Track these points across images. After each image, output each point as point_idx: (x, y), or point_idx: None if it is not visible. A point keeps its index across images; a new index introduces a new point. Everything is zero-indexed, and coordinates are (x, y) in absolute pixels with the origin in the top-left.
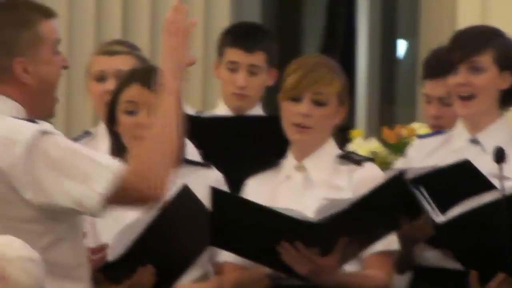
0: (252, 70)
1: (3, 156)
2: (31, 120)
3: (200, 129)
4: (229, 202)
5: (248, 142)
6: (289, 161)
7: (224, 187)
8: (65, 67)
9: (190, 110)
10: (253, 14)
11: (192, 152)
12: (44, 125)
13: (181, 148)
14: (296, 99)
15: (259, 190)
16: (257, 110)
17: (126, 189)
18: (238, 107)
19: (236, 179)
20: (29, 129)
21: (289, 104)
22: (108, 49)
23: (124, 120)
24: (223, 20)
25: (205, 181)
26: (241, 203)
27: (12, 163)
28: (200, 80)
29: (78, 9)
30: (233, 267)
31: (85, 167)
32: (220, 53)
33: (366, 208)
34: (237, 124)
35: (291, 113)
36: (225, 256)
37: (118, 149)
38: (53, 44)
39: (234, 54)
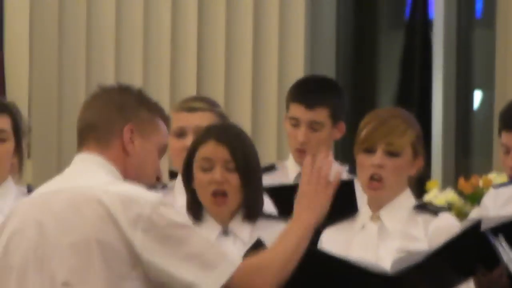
0: (313, 126)
1: (124, 213)
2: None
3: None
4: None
5: None
6: (364, 211)
7: None
8: (158, 178)
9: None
10: (328, 66)
11: (268, 205)
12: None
13: (261, 203)
14: (369, 150)
15: (334, 239)
16: None
17: (237, 284)
18: (300, 161)
19: None
20: (152, 195)
21: (363, 156)
22: (188, 106)
23: (199, 177)
24: (297, 72)
25: None
26: (319, 255)
27: (135, 221)
28: (275, 131)
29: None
30: None
31: (209, 254)
32: (286, 107)
33: (442, 259)
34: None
35: (365, 165)
36: None
37: (194, 206)
38: (162, 146)
39: (295, 110)
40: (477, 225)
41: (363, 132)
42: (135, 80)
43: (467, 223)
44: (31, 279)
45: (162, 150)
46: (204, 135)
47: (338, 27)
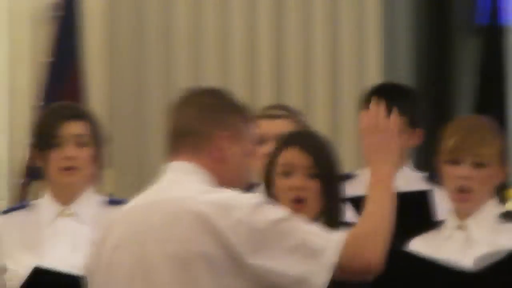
0: None
1: (224, 221)
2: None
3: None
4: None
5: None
6: (450, 220)
7: None
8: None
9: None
10: (404, 73)
11: (349, 214)
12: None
13: (341, 211)
14: (456, 161)
15: (422, 250)
16: (406, 171)
17: (348, 260)
18: None
19: None
20: (249, 197)
21: (449, 168)
22: (269, 113)
23: (280, 182)
24: (373, 79)
25: None
26: (403, 254)
27: (236, 226)
28: (353, 139)
29: None
30: None
31: (312, 241)
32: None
33: None
34: None
35: (452, 176)
36: None
37: None
38: (252, 150)
39: None
40: None
41: (449, 142)
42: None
43: None
44: None
45: (252, 154)
46: (287, 141)
47: (414, 34)
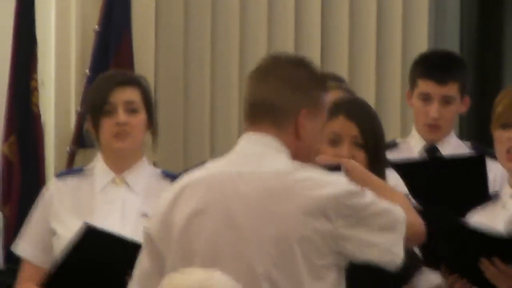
0: (445, 101)
1: (321, 194)
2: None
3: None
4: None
5: (447, 185)
6: (505, 190)
7: None
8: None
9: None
10: (452, 41)
11: (397, 181)
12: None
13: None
14: (506, 125)
15: (478, 222)
16: (452, 138)
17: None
18: (432, 136)
19: None
20: (344, 181)
21: (500, 132)
22: None
23: (326, 151)
24: (420, 47)
25: None
26: (445, 217)
27: (334, 201)
28: (398, 106)
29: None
30: None
31: (390, 212)
32: (412, 83)
33: None
34: (435, 168)
35: (502, 139)
36: None
37: None
38: (325, 117)
39: (426, 86)
40: None
41: (499, 108)
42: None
43: None
44: (223, 266)
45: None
46: (334, 110)
47: (463, 4)
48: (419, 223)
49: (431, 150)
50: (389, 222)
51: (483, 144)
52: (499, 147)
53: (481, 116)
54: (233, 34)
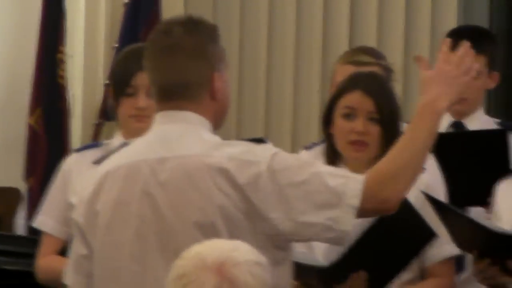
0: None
1: (242, 175)
2: (259, 140)
3: None
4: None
5: (472, 158)
6: None
7: (436, 191)
8: None
9: None
10: (482, 16)
11: None
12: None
13: None
14: None
15: (508, 193)
16: (480, 114)
17: (367, 200)
18: (458, 111)
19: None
20: (263, 149)
21: None
22: (355, 59)
23: (341, 124)
24: (450, 23)
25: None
26: (447, 209)
27: (254, 182)
28: None
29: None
30: None
31: (333, 185)
32: None
33: None
34: (459, 141)
35: None
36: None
37: (331, 151)
38: (227, 62)
39: None
40: None
41: None
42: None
43: None
44: (152, 257)
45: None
46: (351, 83)
47: None
48: (389, 195)
49: (457, 125)
50: (329, 198)
51: None
52: None
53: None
54: (264, 6)
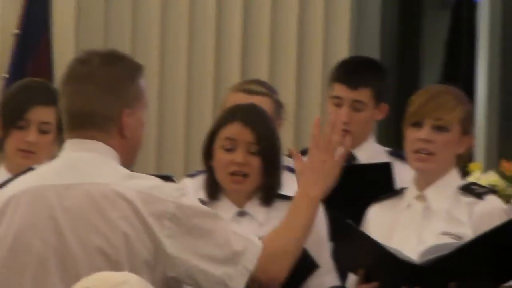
0: (356, 106)
1: (148, 210)
2: (166, 177)
3: None
4: (344, 230)
5: (360, 191)
6: (411, 190)
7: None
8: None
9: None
10: (372, 47)
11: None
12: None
13: (279, 186)
14: (417, 124)
15: (380, 217)
16: (370, 144)
17: (255, 272)
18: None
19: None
20: (171, 187)
21: (410, 131)
22: (247, 88)
23: (220, 156)
24: (342, 53)
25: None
26: (355, 232)
27: (160, 219)
28: (318, 113)
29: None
30: None
31: (235, 244)
32: (329, 88)
33: (477, 253)
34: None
35: (412, 139)
36: None
37: (211, 184)
38: (145, 102)
39: (338, 90)
40: None
41: (412, 107)
42: None
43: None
44: (52, 282)
45: (146, 103)
46: (230, 115)
47: (383, 7)
48: (278, 274)
49: (347, 156)
50: (230, 255)
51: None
52: (409, 146)
53: (402, 119)
54: (157, 24)
